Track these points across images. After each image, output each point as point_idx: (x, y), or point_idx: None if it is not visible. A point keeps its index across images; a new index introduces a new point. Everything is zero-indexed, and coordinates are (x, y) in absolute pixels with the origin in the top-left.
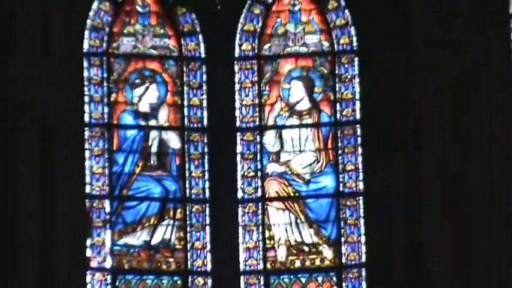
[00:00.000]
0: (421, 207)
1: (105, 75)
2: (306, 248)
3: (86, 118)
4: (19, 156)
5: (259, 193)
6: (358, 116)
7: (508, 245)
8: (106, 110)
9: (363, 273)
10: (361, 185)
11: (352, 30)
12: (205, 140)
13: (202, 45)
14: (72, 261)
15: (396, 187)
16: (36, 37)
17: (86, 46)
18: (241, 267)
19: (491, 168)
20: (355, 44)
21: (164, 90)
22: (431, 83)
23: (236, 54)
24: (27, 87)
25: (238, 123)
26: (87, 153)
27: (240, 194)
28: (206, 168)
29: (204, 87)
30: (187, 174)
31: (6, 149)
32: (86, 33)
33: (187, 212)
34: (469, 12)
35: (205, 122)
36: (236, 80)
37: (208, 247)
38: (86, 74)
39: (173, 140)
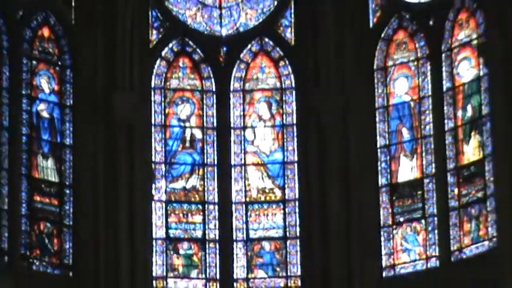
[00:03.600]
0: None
1: (162, 98)
2: (266, 190)
3: (153, 121)
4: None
5: (243, 161)
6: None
7: None
8: (163, 117)
9: (297, 204)
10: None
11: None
12: (215, 134)
13: (213, 84)
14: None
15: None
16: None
17: (153, 84)
18: (233, 200)
19: None
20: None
21: (193, 107)
22: None
23: (232, 88)
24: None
25: (232, 125)
26: (152, 140)
27: (232, 162)
28: (215, 149)
29: (214, 106)
30: (204, 152)
31: None
32: (153, 77)
33: (205, 172)
34: None
35: (215, 124)
36: (231, 102)
37: (216, 189)
38: (153, 98)
39: (198, 134)
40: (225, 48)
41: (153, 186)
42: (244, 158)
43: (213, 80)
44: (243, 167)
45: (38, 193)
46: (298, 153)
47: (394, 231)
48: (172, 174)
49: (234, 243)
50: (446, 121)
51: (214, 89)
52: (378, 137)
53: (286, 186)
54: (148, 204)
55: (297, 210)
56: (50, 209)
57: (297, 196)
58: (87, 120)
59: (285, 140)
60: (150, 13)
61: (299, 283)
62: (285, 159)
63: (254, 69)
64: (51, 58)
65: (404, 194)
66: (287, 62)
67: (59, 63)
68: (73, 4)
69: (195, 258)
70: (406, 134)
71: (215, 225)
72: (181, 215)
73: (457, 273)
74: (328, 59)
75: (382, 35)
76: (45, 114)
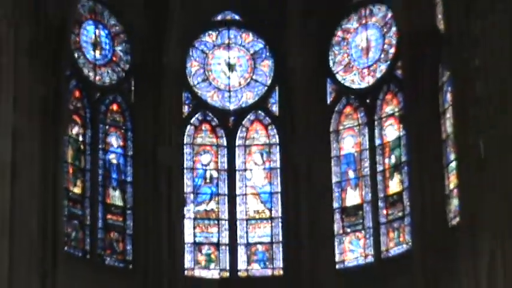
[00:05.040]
0: None
1: (191, 150)
2: (260, 211)
3: (185, 165)
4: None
5: (244, 192)
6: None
7: None
8: (191, 163)
9: (280, 220)
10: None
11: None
12: (226, 174)
13: (225, 141)
14: (178, 215)
15: None
16: (166, 136)
17: (185, 141)
18: (238, 217)
19: None
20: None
21: (212, 156)
22: None
23: (236, 144)
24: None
25: (236, 168)
26: (185, 178)
27: (237, 192)
28: (226, 184)
29: (225, 156)
30: (219, 186)
31: None
32: (185, 137)
33: (219, 199)
34: None
35: (226, 167)
36: (236, 153)
37: (226, 210)
38: (185, 150)
39: (214, 174)
40: (232, 118)
41: (185, 208)
42: (245, 190)
43: (224, 138)
44: (244, 196)
45: (109, 213)
46: (280, 186)
47: (344, 238)
48: (197, 201)
49: (238, 246)
50: (377, 166)
51: (225, 144)
52: (332, 176)
53: (272, 208)
54: (182, 220)
55: (280, 224)
56: (117, 224)
57: (280, 215)
58: (143, 164)
59: (272, 178)
60: (183, 95)
61: (281, 272)
62: (272, 191)
63: (251, 132)
64: (118, 124)
65: (351, 214)
66: (274, 126)
67: (123, 127)
68: (132, 89)
69: (212, 256)
70: (351, 174)
71: (225, 234)
72: (203, 227)
73: (385, 266)
74: (301, 125)
75: (336, 109)
76: (114, 161)
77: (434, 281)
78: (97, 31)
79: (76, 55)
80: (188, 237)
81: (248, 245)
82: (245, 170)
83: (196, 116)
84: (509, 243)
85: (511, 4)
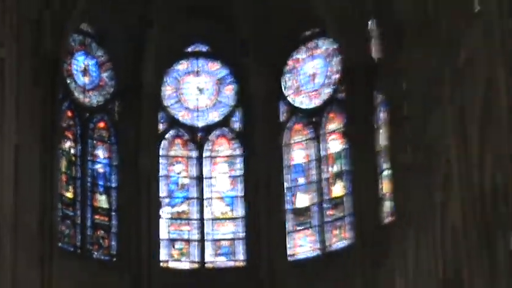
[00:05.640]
0: None
1: (166, 161)
2: (224, 212)
3: (161, 174)
4: None
5: (211, 196)
6: (242, 173)
7: None
8: (167, 172)
9: (242, 220)
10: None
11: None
12: (196, 181)
13: (194, 153)
14: (156, 216)
15: None
16: (147, 149)
17: (161, 153)
18: (205, 217)
19: None
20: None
21: (183, 166)
22: None
23: (204, 155)
24: None
25: (204, 176)
26: (160, 184)
27: (205, 196)
28: (195, 189)
29: (195, 166)
30: (189, 191)
31: None
32: (160, 150)
33: (190, 202)
34: None
35: (195, 175)
36: (203, 163)
37: (196, 212)
38: (161, 161)
39: (186, 181)
40: (200, 133)
41: (161, 210)
42: (211, 194)
43: (194, 151)
44: (211, 199)
45: (97, 214)
46: (244, 191)
47: (295, 235)
48: (171, 204)
49: (206, 242)
50: (323, 173)
51: (195, 156)
52: (285, 182)
53: (234, 210)
54: (158, 220)
55: (241, 223)
56: (103, 223)
57: (241, 215)
58: (125, 173)
59: (235, 184)
60: (159, 114)
61: (243, 264)
62: (235, 195)
63: (217, 145)
64: (104, 139)
65: (300, 214)
66: (236, 141)
67: (109, 141)
68: (116, 109)
69: (184, 250)
70: (301, 181)
71: (195, 232)
72: (176, 226)
73: (330, 258)
74: (259, 139)
75: (287, 126)
76: (101, 170)
77: (371, 269)
78: (86, 61)
79: (68, 81)
80: (164, 234)
81: (214, 241)
82: (211, 177)
83: (170, 132)
84: (430, 234)
85: (428, 42)
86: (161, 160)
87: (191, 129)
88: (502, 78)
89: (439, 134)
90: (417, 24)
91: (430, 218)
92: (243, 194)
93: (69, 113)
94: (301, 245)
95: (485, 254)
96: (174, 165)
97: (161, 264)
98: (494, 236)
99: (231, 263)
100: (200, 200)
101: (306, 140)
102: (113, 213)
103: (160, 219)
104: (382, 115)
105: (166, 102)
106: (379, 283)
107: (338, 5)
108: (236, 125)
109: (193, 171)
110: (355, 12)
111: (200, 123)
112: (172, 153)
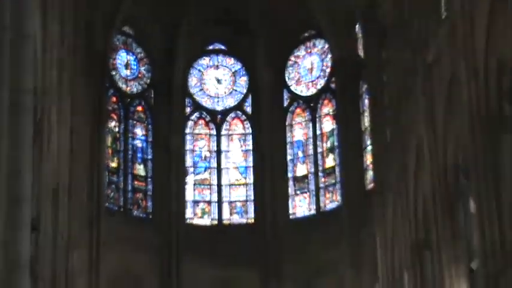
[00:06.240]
0: None
1: (192, 139)
2: (238, 179)
3: (187, 148)
4: None
5: (228, 166)
6: (251, 147)
7: None
8: (192, 146)
9: (251, 185)
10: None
11: (250, 129)
12: (215, 154)
13: (215, 131)
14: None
15: None
16: (176, 128)
17: (187, 131)
18: (223, 183)
19: None
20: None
21: (206, 143)
22: None
23: (222, 133)
24: None
25: (222, 150)
26: (187, 157)
27: (222, 166)
28: (216, 160)
29: (215, 142)
30: (210, 162)
31: None
32: (187, 129)
33: (211, 172)
34: None
35: (215, 149)
36: (222, 140)
37: (216, 179)
38: (187, 138)
39: (207, 154)
40: (219, 116)
41: (187, 177)
42: (228, 165)
43: (214, 130)
44: (227, 169)
45: (136, 180)
46: (252, 162)
47: (295, 197)
48: (196, 172)
49: (223, 203)
50: (318, 148)
51: (215, 134)
52: (287, 155)
53: (247, 177)
54: (185, 186)
55: (251, 188)
56: (141, 188)
57: (252, 181)
58: (159, 147)
59: (246, 156)
60: (186, 100)
61: (252, 221)
62: (246, 165)
63: (232, 125)
64: (142, 120)
65: (299, 181)
66: (248, 122)
67: (145, 122)
68: (152, 96)
69: (206, 210)
70: (300, 154)
71: (215, 195)
72: (199, 190)
73: (323, 216)
74: (266, 121)
75: (289, 110)
76: (139, 145)
77: (357, 226)
78: (127, 57)
79: (113, 73)
80: (189, 197)
81: (230, 202)
82: (227, 151)
83: (195, 114)
84: (405, 201)
85: (404, 42)
86: (187, 137)
87: (211, 112)
88: (463, 72)
89: (412, 118)
90: (395, 27)
91: (405, 188)
92: (252, 165)
93: (114, 99)
94: (300, 206)
95: (448, 218)
96: (197, 141)
97: (187, 221)
98: (456, 204)
99: (243, 220)
100: (218, 169)
101: (305, 121)
102: (149, 180)
103: (187, 185)
104: (366, 101)
105: (191, 91)
106: (362, 238)
107: (331, 12)
108: (248, 108)
109: (213, 146)
110: (344, 18)
111: (219, 108)
112: (196, 131)
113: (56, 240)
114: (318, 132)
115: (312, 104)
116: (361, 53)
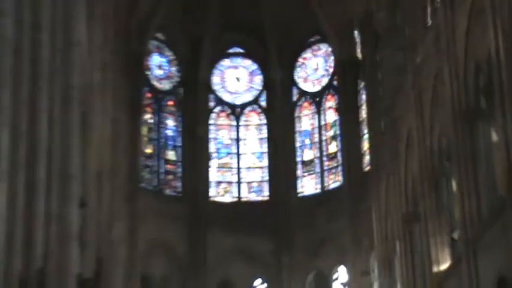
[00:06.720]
0: None
1: (216, 127)
2: (255, 163)
3: (211, 136)
4: None
5: (246, 152)
6: (266, 135)
7: None
8: (216, 136)
9: (267, 168)
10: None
11: (266, 120)
12: (237, 142)
13: (235, 122)
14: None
15: None
16: (203, 121)
17: (211, 122)
18: (243, 166)
19: None
20: (266, 122)
21: (227, 132)
22: None
23: (241, 124)
24: None
25: (241, 138)
26: (211, 144)
27: (240, 152)
28: (237, 146)
29: (237, 129)
30: (237, 148)
31: None
32: (210, 120)
33: (231, 157)
34: None
35: (236, 137)
36: (241, 130)
37: (236, 163)
38: (211, 128)
39: (228, 141)
40: (238, 109)
41: (211, 161)
42: (246, 150)
43: (234, 121)
44: (245, 154)
45: (168, 164)
46: (268, 148)
47: (303, 178)
48: (218, 157)
49: (241, 183)
50: (322, 136)
51: (235, 124)
52: (296, 142)
53: (262, 161)
54: (209, 168)
55: (266, 170)
56: (172, 170)
57: (266, 165)
58: (187, 136)
59: (261, 143)
60: (209, 96)
61: (267, 198)
62: (262, 151)
63: (249, 116)
64: (173, 113)
65: (307, 164)
66: (263, 114)
67: (176, 114)
68: (181, 92)
69: (227, 189)
70: (307, 141)
71: (235, 176)
72: (222, 172)
73: (327, 195)
74: (278, 113)
75: (298, 104)
76: (170, 134)
77: (356, 202)
78: (160, 59)
79: (147, 73)
80: (213, 178)
81: (248, 183)
82: (245, 139)
83: (217, 108)
84: (397, 181)
85: (396, 44)
86: (211, 127)
87: (232, 106)
88: (446, 72)
89: (403, 110)
90: (388, 32)
91: (397, 169)
92: (267, 150)
93: (149, 95)
94: (307, 186)
95: (433, 195)
96: (220, 130)
97: (211, 198)
98: (440, 182)
99: (259, 198)
100: (238, 154)
101: (311, 113)
102: (179, 163)
103: (211, 168)
104: (363, 96)
105: (214, 87)
106: (360, 212)
107: (333, 20)
108: (263, 103)
109: (233, 135)
110: (345, 25)
111: (238, 102)
112: (218, 122)
113: (100, 214)
114: (323, 122)
115: (317, 99)
116: (359, 55)
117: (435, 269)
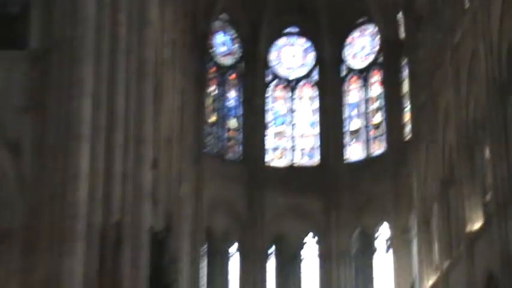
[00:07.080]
0: None
1: (270, 101)
2: (305, 133)
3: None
4: None
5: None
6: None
7: None
8: (265, 112)
9: (319, 135)
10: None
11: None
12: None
13: (290, 94)
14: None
15: None
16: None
17: (268, 94)
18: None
19: None
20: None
21: (282, 102)
22: None
23: (299, 96)
24: None
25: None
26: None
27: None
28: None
29: (290, 99)
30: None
31: None
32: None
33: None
34: None
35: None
36: (295, 103)
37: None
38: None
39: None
40: (293, 82)
41: (268, 129)
42: (300, 120)
43: (290, 93)
44: (299, 123)
45: (229, 131)
46: (319, 118)
47: (350, 145)
48: (275, 125)
49: (295, 150)
50: (368, 108)
51: (290, 96)
52: (345, 113)
53: (314, 129)
54: (266, 136)
55: (317, 138)
56: (233, 137)
57: (318, 133)
58: (247, 106)
59: (314, 114)
60: (267, 71)
61: (318, 163)
62: (314, 121)
63: (303, 90)
64: (235, 85)
65: (354, 133)
66: (315, 87)
67: (237, 87)
68: (243, 67)
69: (282, 154)
70: (354, 112)
71: (290, 143)
72: (277, 139)
73: (372, 161)
74: (329, 87)
75: (346, 79)
76: (232, 104)
77: (398, 167)
78: (223, 37)
79: (213, 49)
80: (269, 145)
81: (301, 149)
82: (299, 110)
83: (274, 81)
84: (435, 148)
85: (436, 25)
86: (269, 99)
87: (287, 80)
88: (481, 50)
89: (442, 85)
90: (429, 14)
91: (435, 138)
92: (318, 120)
93: (213, 69)
94: (354, 152)
95: (468, 162)
96: (276, 101)
97: (267, 163)
98: (474, 149)
99: (311, 162)
100: (293, 123)
101: (358, 87)
102: (239, 131)
103: (267, 135)
104: (406, 72)
105: (271, 63)
106: (402, 176)
107: (380, 2)
108: (315, 77)
109: (288, 106)
110: (390, 7)
111: (292, 76)
112: (275, 94)
113: (170, 175)
114: (368, 95)
115: (364, 74)
116: (402, 34)
117: (468, 229)
